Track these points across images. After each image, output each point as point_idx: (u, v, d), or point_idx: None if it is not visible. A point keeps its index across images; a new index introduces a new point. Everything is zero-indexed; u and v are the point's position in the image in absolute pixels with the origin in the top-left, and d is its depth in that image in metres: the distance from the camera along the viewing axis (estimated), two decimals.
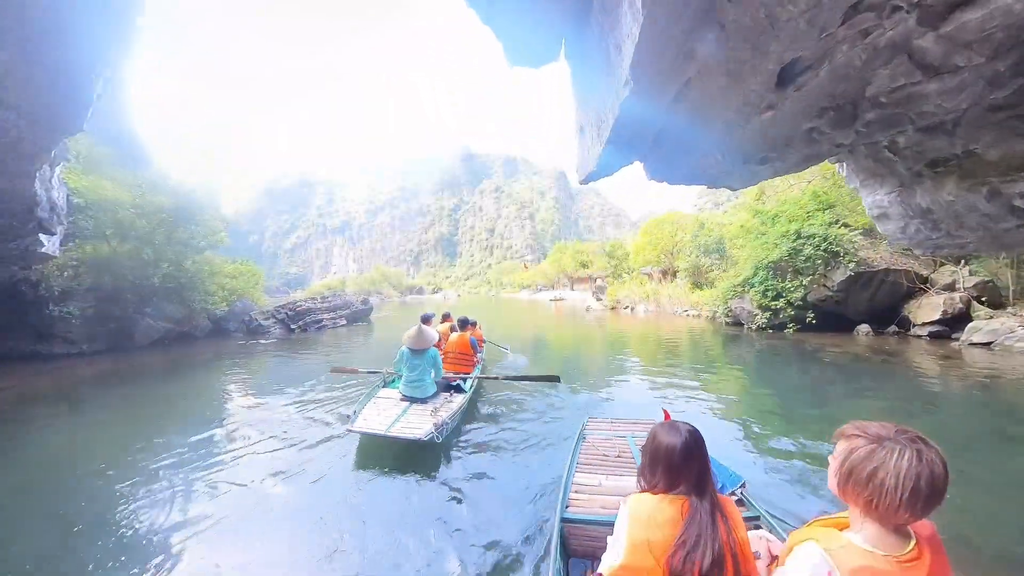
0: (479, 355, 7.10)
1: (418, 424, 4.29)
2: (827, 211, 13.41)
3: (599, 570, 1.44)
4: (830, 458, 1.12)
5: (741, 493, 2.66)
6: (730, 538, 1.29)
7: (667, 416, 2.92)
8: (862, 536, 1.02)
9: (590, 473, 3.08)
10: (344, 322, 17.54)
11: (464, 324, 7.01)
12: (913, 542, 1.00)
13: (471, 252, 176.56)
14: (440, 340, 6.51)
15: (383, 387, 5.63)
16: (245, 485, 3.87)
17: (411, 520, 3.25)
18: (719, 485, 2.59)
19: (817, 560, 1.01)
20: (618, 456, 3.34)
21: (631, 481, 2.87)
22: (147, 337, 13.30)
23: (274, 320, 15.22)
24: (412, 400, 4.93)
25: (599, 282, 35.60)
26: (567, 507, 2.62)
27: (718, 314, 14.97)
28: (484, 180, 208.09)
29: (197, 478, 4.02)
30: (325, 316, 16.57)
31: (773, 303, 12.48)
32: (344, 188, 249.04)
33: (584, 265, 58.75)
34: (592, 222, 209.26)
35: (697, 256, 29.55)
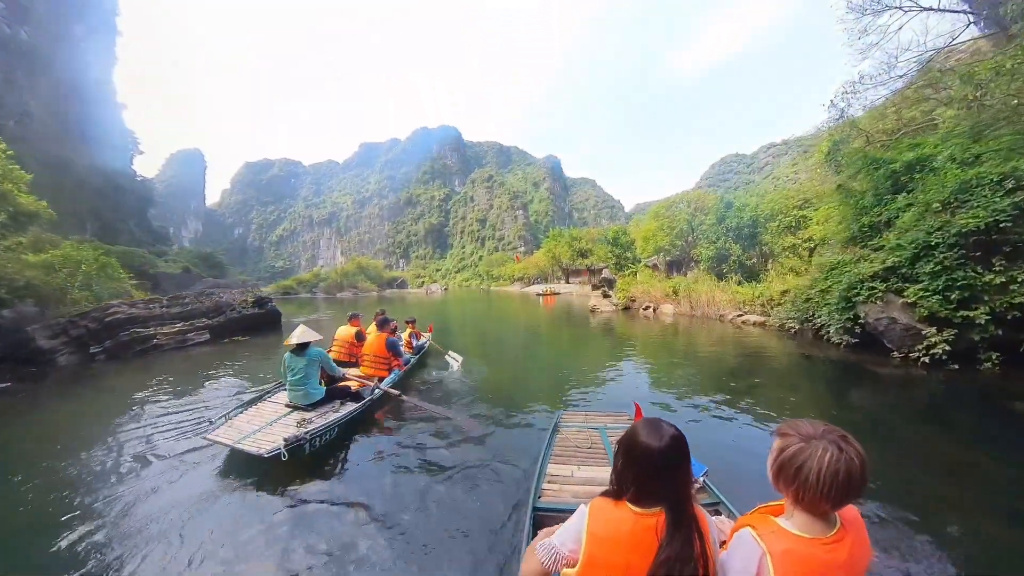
0: (404, 359, 6.29)
1: (279, 435, 3.78)
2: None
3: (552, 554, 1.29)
4: (769, 452, 1.15)
5: (704, 481, 2.60)
6: (704, 555, 1.15)
7: (639, 410, 3.51)
8: (792, 522, 1.09)
9: (563, 464, 3.07)
10: (205, 336, 11.02)
11: (383, 323, 6.18)
12: (837, 526, 1.07)
13: (462, 244, 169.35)
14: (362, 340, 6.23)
15: (283, 390, 4.91)
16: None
17: (269, 539, 2.82)
18: None
19: (751, 544, 1.07)
20: (590, 447, 3.32)
21: (601, 472, 2.91)
22: None
23: (65, 339, 8.96)
24: (296, 407, 4.48)
25: (605, 273, 29.36)
26: (539, 497, 2.60)
27: (820, 326, 8.90)
28: (476, 169, 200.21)
29: None
30: (161, 330, 10.01)
31: (960, 314, 6.50)
32: (331, 178, 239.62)
33: (582, 254, 52.51)
34: (587, 214, 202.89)
35: (725, 242, 23.78)
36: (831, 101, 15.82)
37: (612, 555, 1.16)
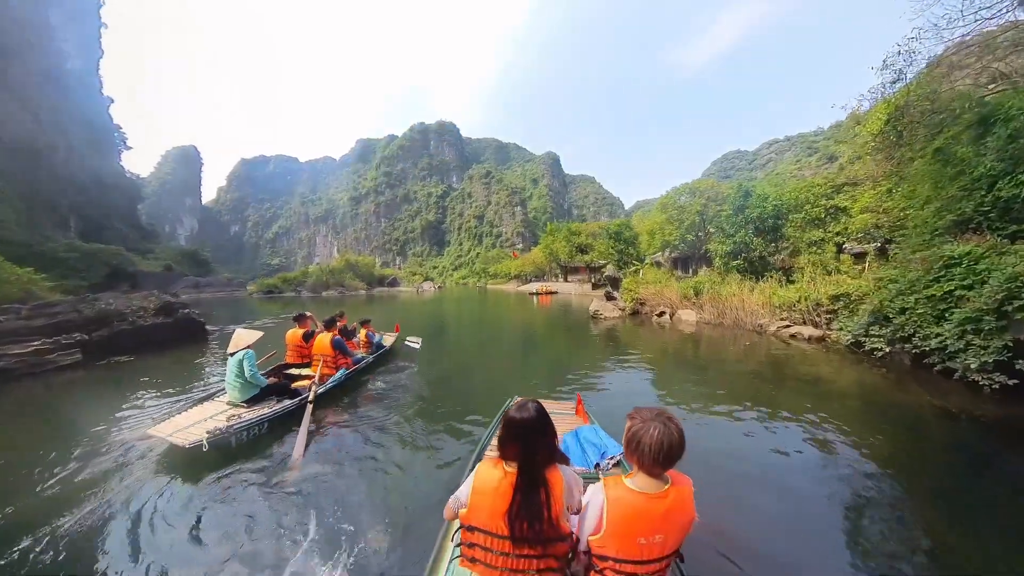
0: (354, 358, 6.65)
1: (206, 429, 3.97)
2: None
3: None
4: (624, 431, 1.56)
5: (621, 458, 3.01)
6: (547, 501, 1.58)
7: (579, 401, 3.83)
8: (633, 481, 1.52)
9: None
10: (75, 357, 8.19)
11: (330, 323, 6.49)
12: (667, 486, 1.48)
13: (460, 241, 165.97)
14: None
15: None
16: None
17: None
18: (601, 451, 3.08)
19: (599, 491, 1.55)
20: None
21: None
22: None
23: None
24: (234, 404, 4.72)
25: (610, 271, 26.35)
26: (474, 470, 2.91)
27: (928, 350, 5.99)
28: (474, 165, 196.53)
29: None
30: (11, 350, 7.21)
31: None
32: (328, 174, 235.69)
33: (581, 250, 49.52)
34: (586, 211, 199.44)
35: (745, 235, 20.91)
36: (883, 63, 12.86)
37: (484, 500, 1.63)
